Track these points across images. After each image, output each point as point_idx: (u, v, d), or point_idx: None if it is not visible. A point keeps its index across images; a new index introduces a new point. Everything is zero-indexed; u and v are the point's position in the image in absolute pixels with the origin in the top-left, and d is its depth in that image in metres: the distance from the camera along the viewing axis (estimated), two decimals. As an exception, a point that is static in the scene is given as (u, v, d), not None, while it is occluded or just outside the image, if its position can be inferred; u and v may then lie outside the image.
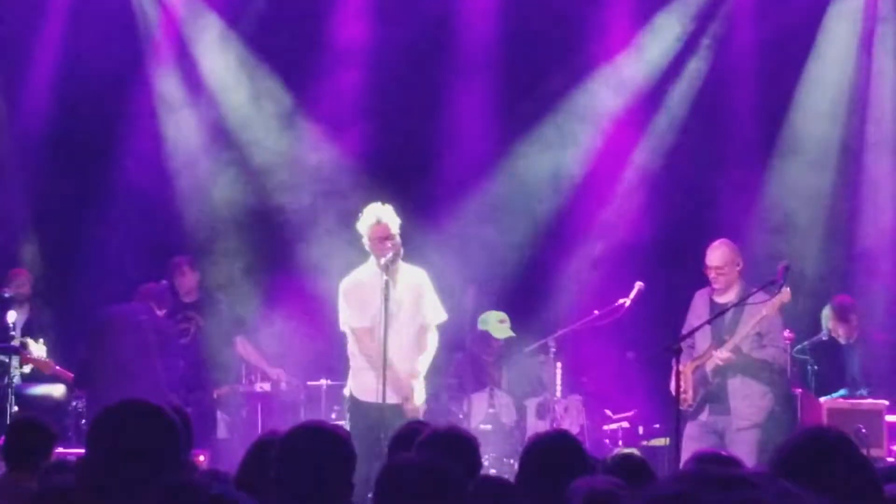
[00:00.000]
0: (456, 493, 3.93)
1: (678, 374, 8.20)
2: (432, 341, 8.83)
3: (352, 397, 8.77)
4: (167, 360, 10.40)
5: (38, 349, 10.10)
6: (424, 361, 8.79)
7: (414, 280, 8.76)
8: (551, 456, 4.70)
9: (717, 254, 9.26)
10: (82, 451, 4.99)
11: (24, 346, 10.05)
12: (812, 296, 10.86)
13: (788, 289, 8.94)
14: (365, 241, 8.60)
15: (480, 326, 10.75)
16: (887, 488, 3.94)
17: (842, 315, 10.31)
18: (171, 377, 10.34)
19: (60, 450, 8.09)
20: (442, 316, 8.88)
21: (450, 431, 5.07)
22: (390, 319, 8.41)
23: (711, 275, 9.23)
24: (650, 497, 1.53)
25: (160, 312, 10.46)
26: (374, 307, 8.58)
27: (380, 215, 8.55)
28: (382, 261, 8.48)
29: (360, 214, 8.63)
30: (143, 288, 10.56)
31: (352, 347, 8.81)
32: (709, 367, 9.17)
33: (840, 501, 2.88)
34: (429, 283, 8.84)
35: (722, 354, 9.05)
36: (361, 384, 8.67)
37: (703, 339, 9.25)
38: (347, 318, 8.76)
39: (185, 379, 10.12)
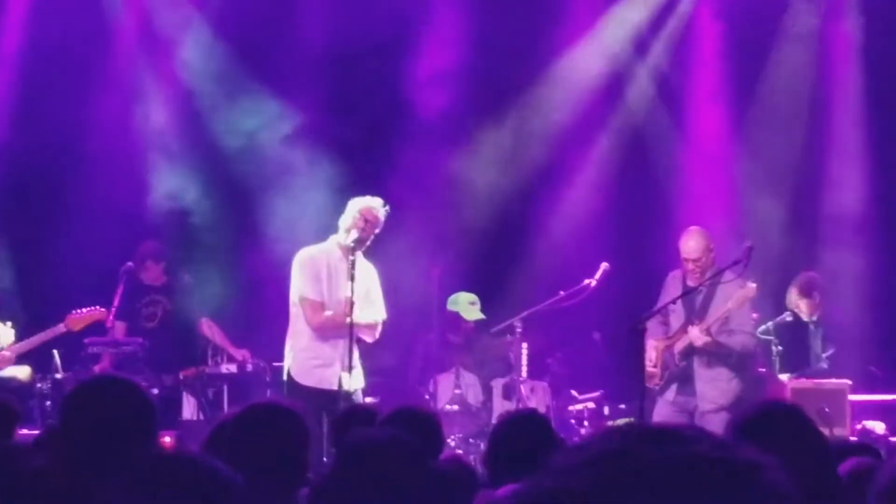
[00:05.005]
0: (419, 469, 3.93)
1: (642, 353, 8.21)
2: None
3: (290, 379, 8.82)
4: None
5: (4, 332, 10.01)
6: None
7: (366, 273, 8.89)
8: (519, 433, 4.71)
9: (692, 244, 9.13)
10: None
11: (-11, 327, 9.94)
12: (777, 274, 10.90)
13: (755, 285, 8.93)
14: (350, 212, 8.74)
15: (450, 307, 10.72)
16: (842, 466, 3.98)
17: (806, 291, 10.34)
18: None
19: (24, 431, 8.09)
20: (382, 314, 8.97)
21: (411, 409, 5.09)
22: (339, 304, 8.57)
23: (689, 266, 9.14)
24: (586, 457, 1.38)
25: None
26: (325, 286, 8.70)
27: (381, 210, 8.74)
28: (349, 238, 8.62)
29: (343, 207, 8.83)
30: None
31: (297, 325, 8.85)
32: (678, 347, 9.19)
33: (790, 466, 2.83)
34: (377, 279, 9.00)
35: (699, 340, 9.02)
36: (301, 366, 8.75)
37: (675, 320, 9.25)
38: (300, 288, 8.80)
39: (152, 361, 10.06)
